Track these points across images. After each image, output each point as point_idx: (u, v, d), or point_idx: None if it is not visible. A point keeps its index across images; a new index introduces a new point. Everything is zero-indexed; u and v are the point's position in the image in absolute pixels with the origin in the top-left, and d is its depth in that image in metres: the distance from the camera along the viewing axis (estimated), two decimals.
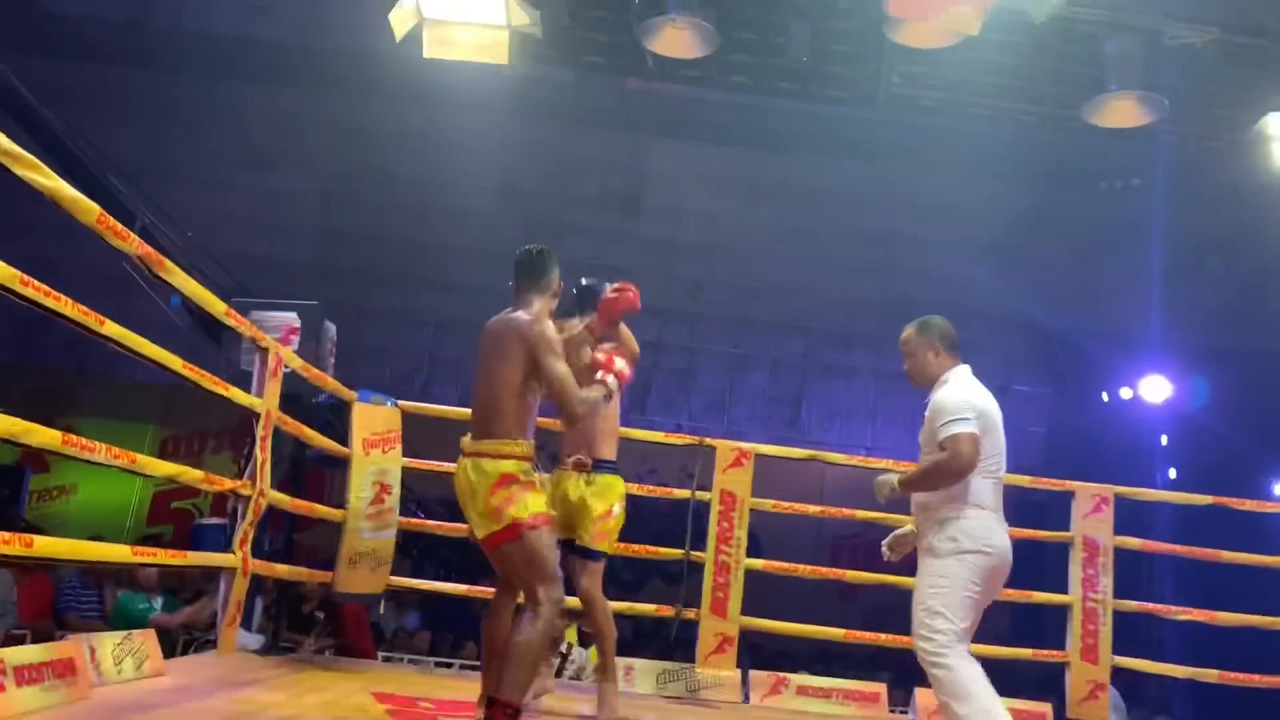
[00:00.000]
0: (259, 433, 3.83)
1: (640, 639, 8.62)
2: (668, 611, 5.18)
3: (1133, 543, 5.39)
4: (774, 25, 5.85)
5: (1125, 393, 11.35)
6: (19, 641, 4.91)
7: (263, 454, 3.85)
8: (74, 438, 2.68)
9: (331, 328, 5.08)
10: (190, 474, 3.61)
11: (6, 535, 2.40)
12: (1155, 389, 10.88)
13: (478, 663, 7.23)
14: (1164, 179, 9.02)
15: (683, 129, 10.65)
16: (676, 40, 5.52)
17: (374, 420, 4.84)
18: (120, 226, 2.66)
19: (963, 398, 3.21)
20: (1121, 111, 5.77)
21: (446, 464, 5.34)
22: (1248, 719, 7.17)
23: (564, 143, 10.72)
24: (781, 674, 5.27)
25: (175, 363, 3.16)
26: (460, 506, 3.22)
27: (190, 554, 4.01)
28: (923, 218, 10.31)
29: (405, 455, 5.06)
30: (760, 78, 6.17)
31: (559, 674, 5.84)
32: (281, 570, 4.56)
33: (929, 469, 3.24)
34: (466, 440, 3.19)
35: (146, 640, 3.57)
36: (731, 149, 10.82)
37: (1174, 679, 5.95)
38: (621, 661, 5.25)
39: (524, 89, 9.27)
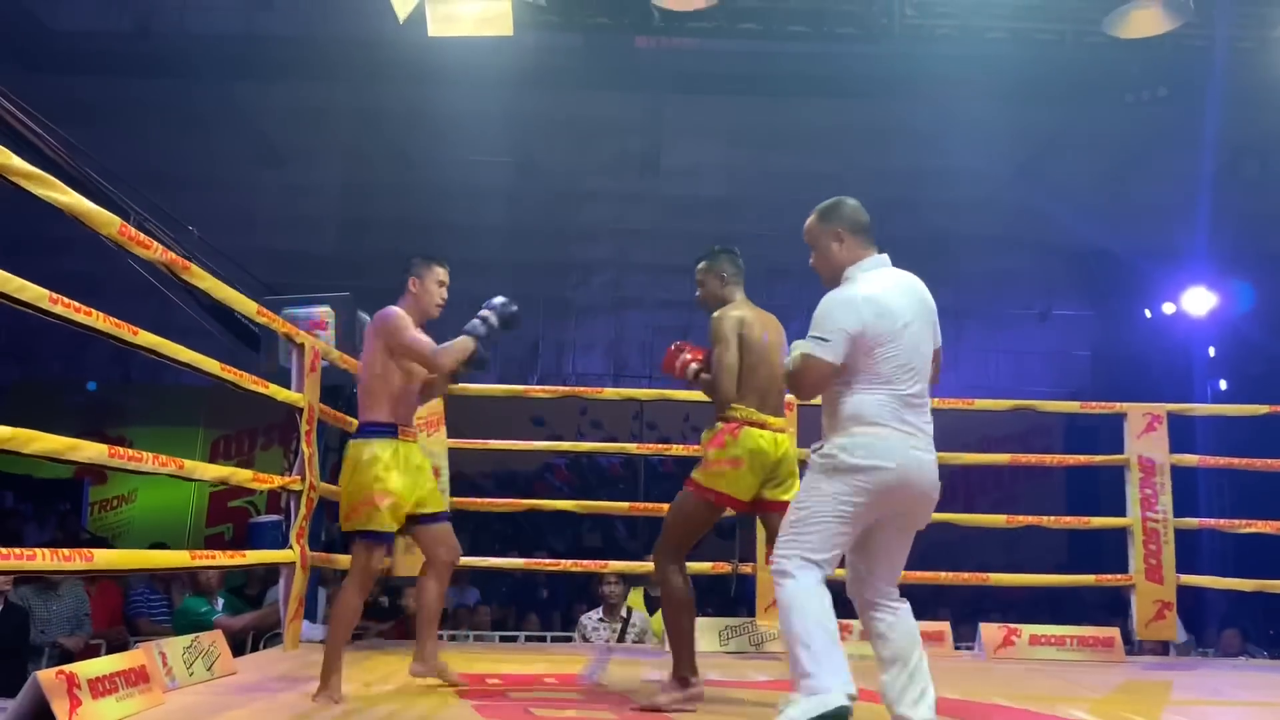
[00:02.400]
0: (303, 427, 3.86)
1: (700, 596, 8.64)
2: (725, 568, 5.19)
3: (1189, 459, 5.32)
4: None
5: (1168, 308, 11.16)
6: (95, 652, 5.03)
7: (308, 448, 3.88)
8: (120, 449, 2.72)
9: (365, 316, 5.10)
10: (239, 474, 3.65)
11: (67, 551, 2.44)
12: (1198, 301, 10.68)
13: (543, 634, 7.33)
14: (1192, 86, 8.78)
15: (696, 84, 10.50)
16: None
17: None
18: (142, 235, 2.67)
19: (841, 309, 2.75)
20: (1145, 20, 5.62)
21: (492, 441, 5.42)
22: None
23: (578, 109, 10.63)
24: (843, 620, 5.27)
25: (213, 366, 3.18)
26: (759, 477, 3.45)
27: (248, 553, 4.07)
28: (947, 149, 10.11)
29: (450, 436, 5.10)
30: (770, 23, 6.06)
31: (621, 639, 5.89)
32: (340, 560, 4.61)
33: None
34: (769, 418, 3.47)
35: (216, 641, 3.64)
36: (747, 99, 10.66)
37: (1241, 593, 5.89)
38: None
39: (534, 59, 9.18)
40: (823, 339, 2.71)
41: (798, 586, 2.71)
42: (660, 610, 6.15)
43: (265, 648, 5.86)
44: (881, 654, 2.78)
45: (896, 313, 2.78)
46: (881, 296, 2.78)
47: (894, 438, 2.72)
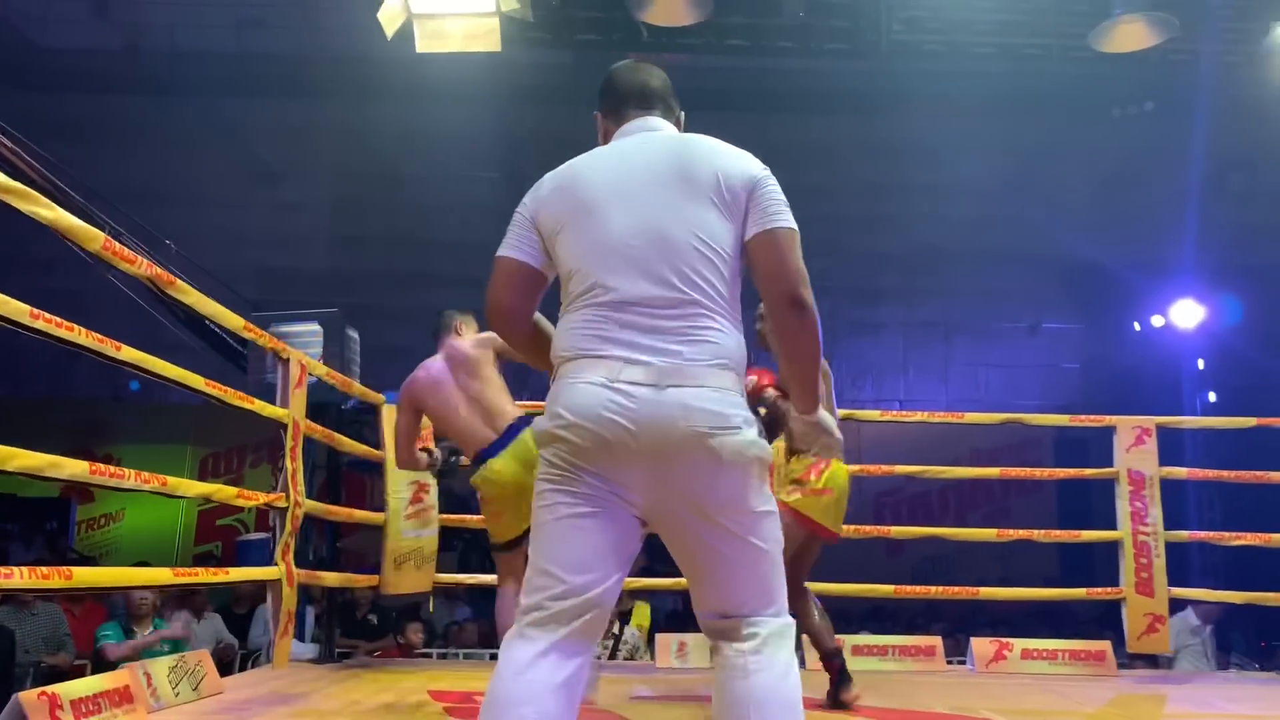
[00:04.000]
0: (288, 444, 3.84)
1: (693, 614, 8.62)
2: None
3: (1178, 472, 5.33)
4: None
5: (1157, 320, 11.20)
6: (80, 673, 4.98)
7: (293, 464, 3.86)
8: (101, 466, 2.70)
9: (354, 333, 5.09)
10: (223, 491, 3.63)
11: (46, 570, 2.42)
12: (1187, 314, 10.72)
13: None
14: (1178, 100, 8.84)
15: (686, 99, 10.39)
16: (670, 9, 5.46)
17: None
18: (127, 251, 2.66)
19: (527, 197, 1.99)
20: (1130, 35, 5.65)
21: None
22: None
23: (568, 125, 10.53)
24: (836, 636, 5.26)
25: (198, 381, 3.17)
26: None
27: (231, 570, 4.04)
28: (937, 164, 10.16)
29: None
30: (759, 38, 6.09)
31: (613, 655, 5.86)
32: (327, 578, 4.59)
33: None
34: None
35: (202, 660, 3.60)
36: (737, 114, 10.66)
37: (1232, 606, 5.89)
38: (673, 637, 5.28)
39: (523, 76, 9.21)
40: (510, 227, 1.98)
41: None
42: (650, 628, 6.14)
43: (254, 667, 5.82)
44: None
45: (588, 181, 1.90)
46: (570, 165, 1.97)
47: (583, 372, 1.80)
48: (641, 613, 6.31)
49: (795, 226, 1.88)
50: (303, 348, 4.50)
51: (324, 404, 4.71)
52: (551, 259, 1.92)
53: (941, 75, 7.81)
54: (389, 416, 4.81)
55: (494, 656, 6.84)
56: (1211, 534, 5.65)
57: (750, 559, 1.80)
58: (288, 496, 3.85)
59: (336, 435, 4.56)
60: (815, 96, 9.91)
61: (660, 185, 1.86)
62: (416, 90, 8.93)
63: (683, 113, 2.13)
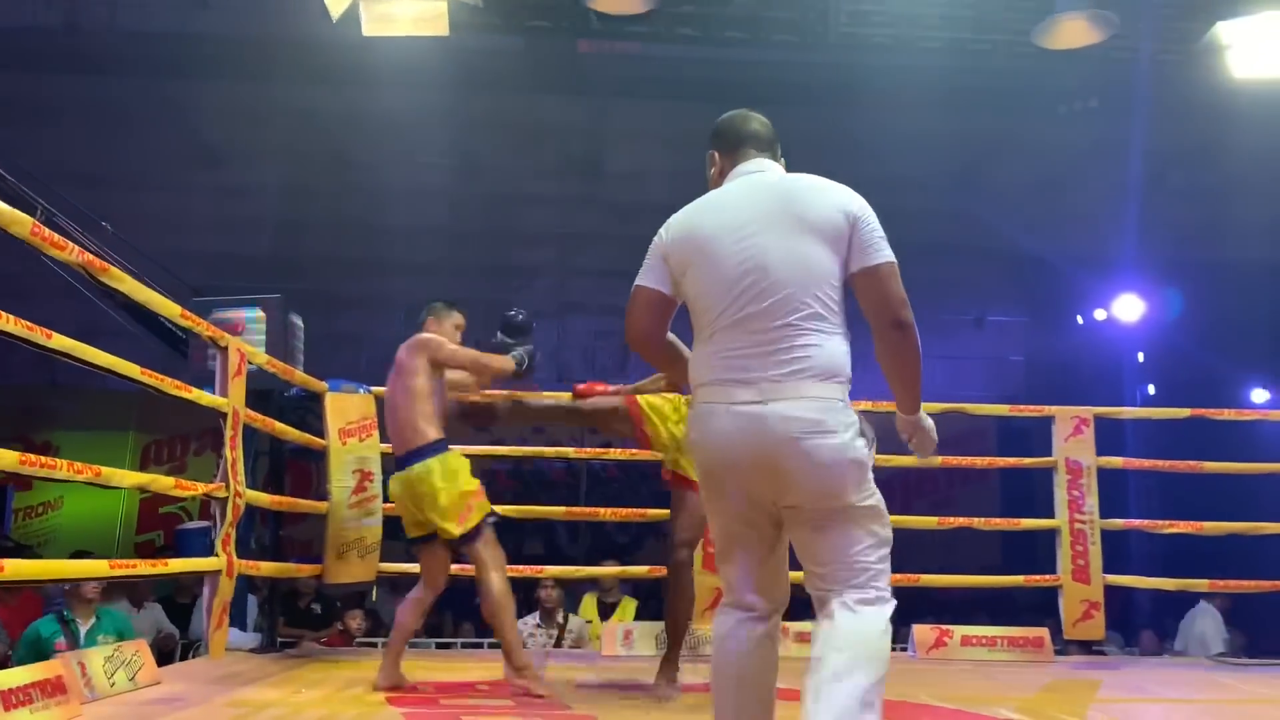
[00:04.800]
0: (227, 433, 3.79)
1: (641, 600, 8.66)
2: (662, 572, 5.18)
3: (1115, 462, 5.43)
4: None
5: (1099, 314, 11.42)
6: (5, 664, 4.89)
7: (233, 453, 3.81)
8: (33, 457, 2.64)
9: (298, 319, 5.03)
10: (161, 482, 3.57)
11: None
12: (1128, 308, 10.94)
13: (479, 641, 7.26)
14: (1121, 97, 8.99)
15: (639, 88, 10.51)
16: None
17: (348, 409, 4.80)
18: (57, 237, 2.60)
19: (661, 232, 2.30)
20: (1072, 32, 5.74)
21: None
22: (1239, 626, 7.27)
23: (519, 112, 10.58)
24: (785, 623, 5.30)
25: (134, 370, 3.11)
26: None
27: (171, 562, 3.98)
28: (885, 157, 10.22)
29: (384, 441, 5.04)
30: (708, 28, 6.10)
31: (558, 644, 5.87)
32: (268, 568, 4.54)
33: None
34: None
35: (139, 650, 3.55)
36: (690, 104, 10.61)
37: (1168, 593, 6.03)
38: (620, 625, 5.29)
39: (474, 61, 9.12)
40: (644, 266, 2.32)
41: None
42: (597, 617, 6.15)
43: (195, 657, 5.75)
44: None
45: (706, 228, 2.21)
46: (699, 210, 2.28)
47: (713, 400, 2.15)
48: (590, 605, 6.31)
49: (894, 259, 2.18)
50: (245, 335, 4.44)
51: (267, 391, 4.65)
52: (680, 288, 2.25)
53: (888, 69, 7.86)
54: (332, 404, 4.77)
55: (440, 646, 6.83)
56: (1145, 522, 5.77)
57: (850, 543, 2.10)
58: (227, 486, 3.80)
59: (277, 424, 4.50)
60: (764, 87, 9.86)
61: (767, 224, 2.15)
62: (364, 74, 8.81)
63: (784, 159, 2.43)
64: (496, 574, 3.64)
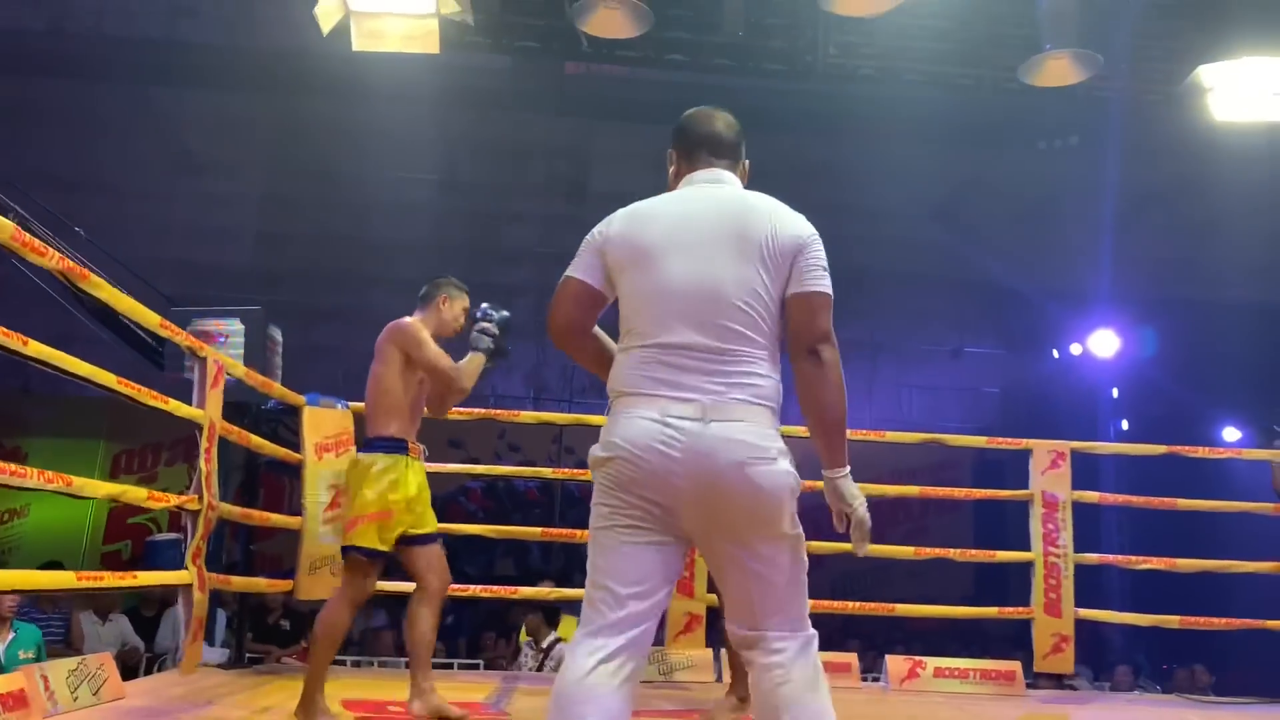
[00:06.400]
0: (202, 444, 3.74)
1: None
2: None
3: (1090, 496, 5.45)
4: (708, 1, 5.81)
5: (1075, 348, 11.52)
6: None
7: (208, 466, 3.76)
8: (2, 464, 2.59)
9: (277, 331, 4.99)
10: (133, 492, 3.52)
11: None
12: (1104, 343, 11.04)
13: (449, 661, 7.20)
14: (1103, 135, 9.11)
15: (626, 111, 10.57)
16: (610, 21, 5.45)
17: (325, 424, 4.76)
18: (37, 242, 2.57)
19: (600, 227, 2.20)
20: (1057, 70, 5.79)
21: None
22: (1209, 663, 7.32)
23: (506, 131, 10.62)
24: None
25: (109, 379, 3.07)
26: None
27: (140, 574, 3.92)
28: (868, 186, 10.33)
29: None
30: (697, 55, 6.11)
31: (540, 668, 5.83)
32: (238, 582, 4.48)
33: None
34: None
35: (104, 664, 3.49)
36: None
37: (1137, 628, 6.05)
38: None
39: (461, 79, 9.15)
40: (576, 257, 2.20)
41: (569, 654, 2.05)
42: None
43: (160, 671, 5.66)
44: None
45: (653, 223, 2.13)
46: (642, 206, 2.18)
47: (636, 407, 2.04)
48: (569, 627, 6.27)
49: (829, 291, 2.10)
50: (222, 346, 4.40)
51: (243, 404, 4.60)
52: (613, 286, 2.14)
53: (875, 100, 7.95)
54: (309, 419, 4.73)
55: (410, 665, 6.75)
56: (1118, 557, 5.80)
57: (778, 577, 2.03)
58: (201, 498, 3.75)
59: (253, 437, 4.45)
60: (752, 114, 9.91)
61: (716, 242, 2.07)
62: (352, 87, 8.81)
63: (748, 160, 2.34)
64: (335, 604, 3.35)
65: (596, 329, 2.27)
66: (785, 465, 2.03)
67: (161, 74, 9.76)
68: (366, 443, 3.52)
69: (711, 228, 2.09)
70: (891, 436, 5.73)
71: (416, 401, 3.59)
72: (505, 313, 3.73)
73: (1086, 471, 5.69)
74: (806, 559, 2.10)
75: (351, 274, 10.76)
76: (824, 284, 2.09)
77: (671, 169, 2.31)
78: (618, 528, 2.03)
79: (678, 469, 1.96)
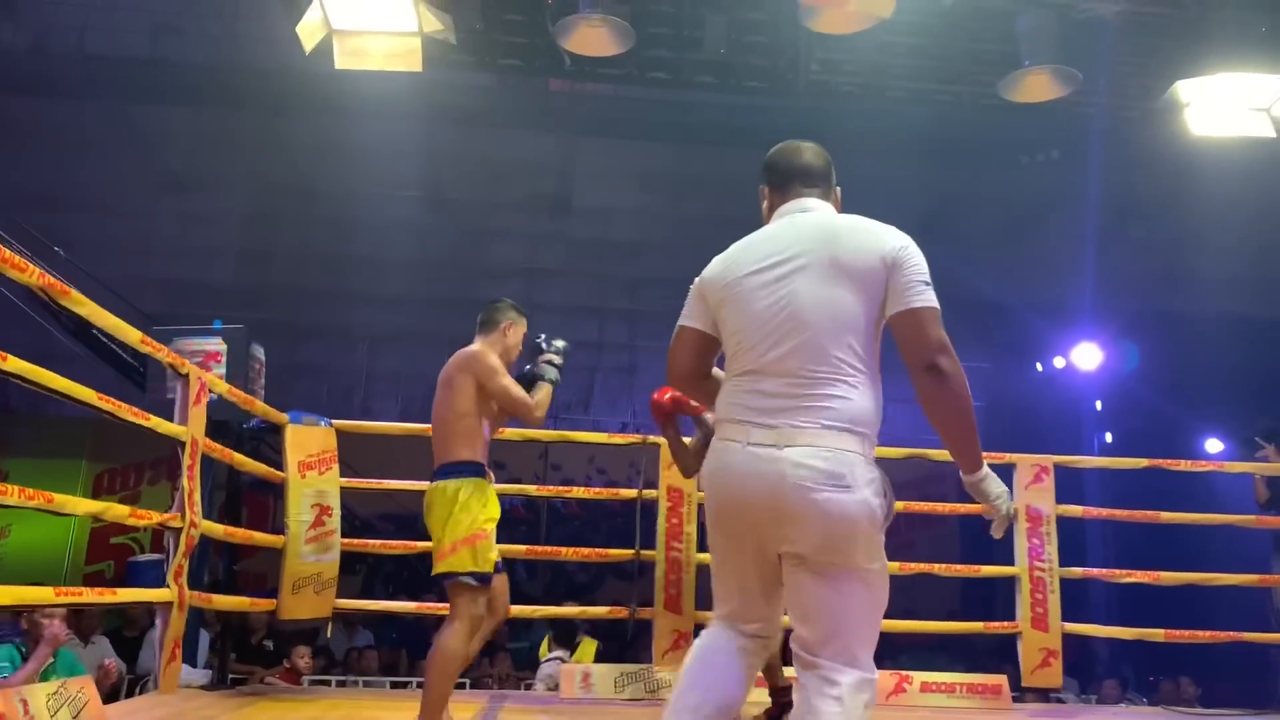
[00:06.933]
0: (185, 462, 3.72)
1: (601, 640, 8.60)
2: (622, 613, 5.15)
3: (1074, 510, 5.47)
4: (689, 19, 5.84)
5: (1059, 362, 11.56)
6: None
7: (190, 484, 3.74)
8: None
9: (259, 349, 4.97)
10: (115, 510, 3.50)
11: None
12: (1087, 356, 11.09)
13: None
14: (1084, 150, 9.17)
15: (609, 128, 10.60)
16: (592, 39, 5.47)
17: (308, 441, 4.74)
18: (18, 259, 2.56)
19: (703, 272, 2.30)
20: (1036, 86, 5.84)
21: (387, 481, 5.31)
22: (1195, 675, 7.33)
23: (489, 147, 10.62)
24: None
25: (90, 395, 3.05)
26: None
27: (119, 591, 3.88)
28: (852, 201, 10.31)
29: (346, 474, 4.98)
30: (679, 72, 6.15)
31: (531, 686, 5.80)
32: (221, 601, 4.44)
33: None
34: None
35: (84, 687, 3.45)
36: (659, 145, 10.79)
37: (1123, 640, 6.06)
38: (579, 666, 5.23)
39: (445, 96, 9.16)
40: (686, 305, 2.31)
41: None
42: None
43: (141, 693, 5.60)
44: None
45: (737, 263, 2.20)
46: (740, 248, 2.25)
47: (728, 437, 2.13)
48: (587, 649, 6.26)
49: (934, 303, 2.09)
50: (208, 364, 4.38)
51: (226, 422, 4.58)
52: (719, 327, 2.23)
53: (857, 116, 7.97)
54: (292, 437, 4.71)
55: (394, 685, 6.72)
56: (1103, 571, 5.80)
57: (843, 607, 2.02)
58: (183, 517, 3.72)
59: (236, 455, 4.43)
60: (736, 131, 10.03)
61: (802, 268, 2.10)
62: (335, 104, 8.81)
63: (839, 188, 2.38)
64: (458, 626, 3.32)
65: (715, 369, 2.33)
66: (863, 494, 2.01)
67: (144, 92, 9.73)
68: (442, 469, 3.48)
69: (798, 254, 2.12)
70: (877, 452, 5.73)
71: (491, 426, 3.62)
72: (564, 342, 3.80)
73: (1070, 485, 5.71)
74: (884, 597, 2.09)
75: (335, 291, 10.74)
76: (926, 297, 2.08)
77: (764, 204, 2.36)
78: (716, 542, 2.19)
79: (753, 492, 2.04)
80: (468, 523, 3.36)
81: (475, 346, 3.59)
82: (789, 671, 3.93)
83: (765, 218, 2.33)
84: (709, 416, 3.76)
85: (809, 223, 2.20)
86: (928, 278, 2.10)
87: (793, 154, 2.34)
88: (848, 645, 2.00)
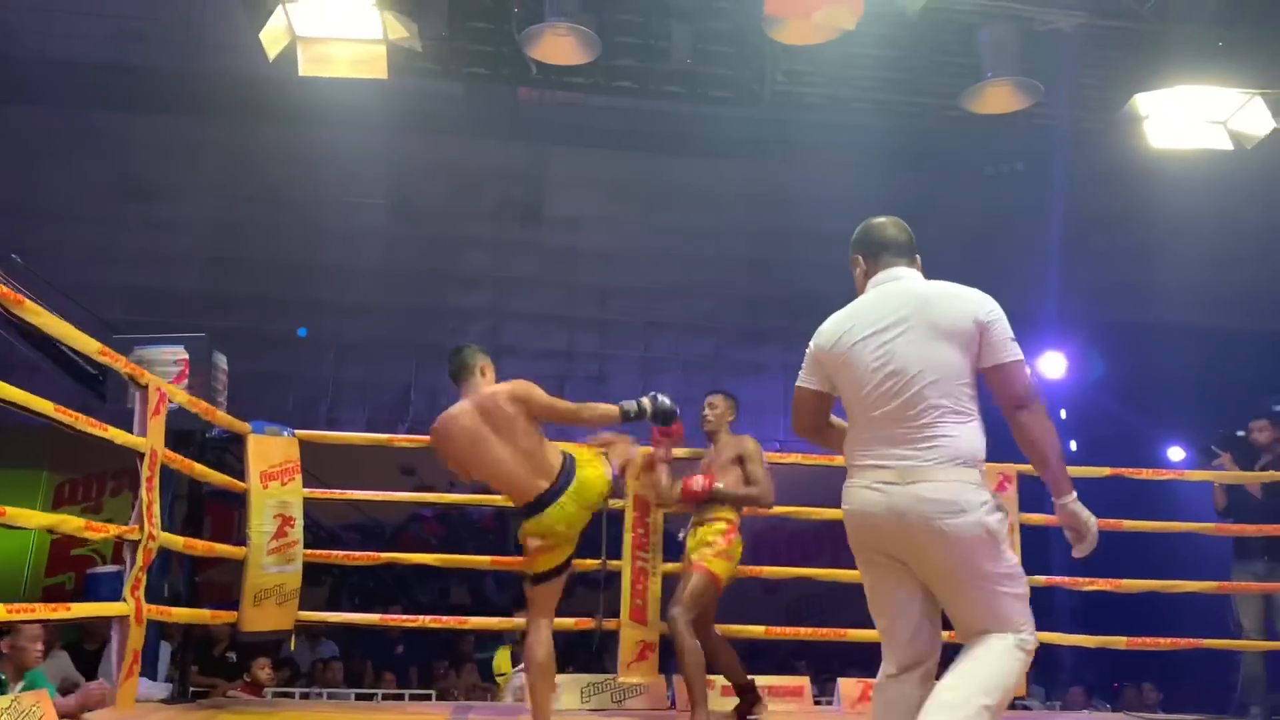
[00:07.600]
0: (144, 473, 3.67)
1: (562, 653, 8.57)
2: (588, 624, 5.12)
3: (1036, 519, 5.51)
4: (655, 29, 5.84)
5: None
6: None
7: (149, 495, 3.69)
8: None
9: (222, 359, 4.92)
10: (70, 522, 3.44)
11: None
12: (1051, 365, 11.20)
13: (400, 691, 7.09)
14: (1047, 161, 9.29)
15: (578, 136, 10.61)
16: (558, 47, 5.47)
17: (271, 452, 4.69)
18: None
19: (815, 338, 2.71)
20: (998, 98, 5.89)
21: (351, 491, 5.27)
22: (1157, 681, 7.40)
23: (458, 156, 10.60)
24: (710, 676, 5.25)
25: (46, 407, 3.00)
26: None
27: (74, 606, 3.82)
28: (819, 212, 10.39)
29: (311, 485, 4.93)
30: (646, 82, 6.15)
31: (498, 697, 5.76)
32: (179, 613, 4.38)
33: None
34: None
35: (39, 701, 3.39)
36: (628, 154, 10.81)
37: (1086, 649, 6.10)
38: (521, 675, 5.20)
39: (413, 104, 9.13)
40: (802, 368, 2.74)
41: None
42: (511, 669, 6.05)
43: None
44: None
45: (848, 330, 2.60)
46: (844, 315, 2.66)
47: (858, 471, 2.56)
48: (503, 657, 6.22)
49: (1019, 356, 2.54)
50: (165, 373, 4.33)
51: (188, 432, 4.53)
52: (834, 384, 2.65)
53: (823, 127, 8.04)
54: (254, 447, 4.66)
55: (359, 697, 6.66)
56: (1066, 579, 5.85)
57: (988, 599, 2.44)
58: (141, 529, 3.67)
59: (197, 465, 4.37)
60: (703, 141, 10.08)
61: (902, 329, 2.51)
62: (302, 112, 8.76)
63: (918, 255, 2.77)
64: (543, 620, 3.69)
65: (833, 418, 2.78)
66: (977, 515, 2.40)
67: (107, 98, 9.64)
68: (548, 495, 3.63)
69: (902, 318, 2.52)
70: (842, 461, 5.75)
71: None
72: (669, 402, 3.96)
73: (1034, 494, 5.75)
74: (1020, 578, 2.50)
75: (300, 300, 10.65)
76: (1012, 352, 2.52)
77: (857, 271, 2.76)
78: (867, 576, 2.58)
79: (885, 526, 2.45)
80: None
81: (498, 386, 3.74)
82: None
83: (859, 284, 2.74)
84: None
85: (906, 290, 2.61)
86: (1012, 334, 2.53)
87: (880, 229, 2.76)
88: (1002, 619, 2.43)
